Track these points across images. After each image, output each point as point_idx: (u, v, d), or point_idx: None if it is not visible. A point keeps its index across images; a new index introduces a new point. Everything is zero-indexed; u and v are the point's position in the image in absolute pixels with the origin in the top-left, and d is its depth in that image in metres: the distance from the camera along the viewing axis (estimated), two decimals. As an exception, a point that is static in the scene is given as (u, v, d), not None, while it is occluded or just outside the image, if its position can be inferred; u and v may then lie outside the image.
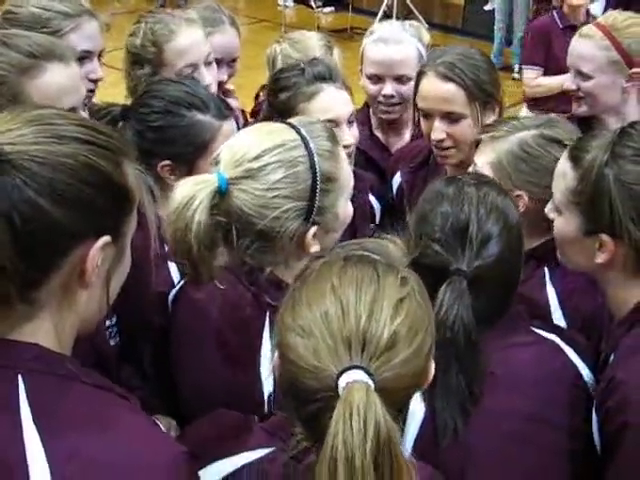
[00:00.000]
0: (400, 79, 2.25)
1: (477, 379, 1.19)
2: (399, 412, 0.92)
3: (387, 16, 9.15)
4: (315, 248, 1.29)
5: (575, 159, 1.38)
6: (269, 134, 1.34)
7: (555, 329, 1.41)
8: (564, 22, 4.20)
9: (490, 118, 1.92)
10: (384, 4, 9.39)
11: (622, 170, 1.30)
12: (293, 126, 1.36)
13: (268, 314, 1.31)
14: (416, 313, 0.95)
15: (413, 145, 2.31)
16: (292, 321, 0.95)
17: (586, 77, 2.06)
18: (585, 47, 2.09)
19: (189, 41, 2.05)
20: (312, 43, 2.41)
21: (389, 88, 2.24)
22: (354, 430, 0.83)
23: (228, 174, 1.26)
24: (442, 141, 1.91)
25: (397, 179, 2.24)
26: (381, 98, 2.26)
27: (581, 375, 1.35)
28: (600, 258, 1.35)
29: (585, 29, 2.14)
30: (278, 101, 1.88)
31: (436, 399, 1.19)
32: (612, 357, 1.35)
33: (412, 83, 2.21)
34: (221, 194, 1.24)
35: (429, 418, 1.22)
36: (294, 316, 0.96)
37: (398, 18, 7.65)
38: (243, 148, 1.31)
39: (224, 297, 1.34)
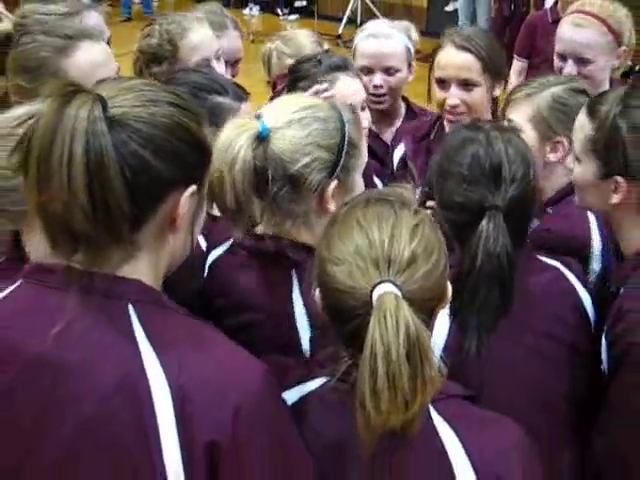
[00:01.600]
0: (388, 70, 2.38)
1: (511, 299, 1.33)
2: (425, 321, 1.04)
3: (351, 21, 9.36)
4: (332, 207, 1.39)
5: (592, 112, 1.51)
6: (305, 99, 1.50)
7: (558, 258, 1.54)
8: (553, 16, 4.24)
9: (497, 91, 2.07)
10: (348, 9, 9.58)
11: (633, 118, 1.45)
12: None
13: (295, 273, 1.42)
14: (429, 236, 1.11)
15: (413, 123, 2.45)
16: (328, 254, 1.11)
17: (587, 62, 2.21)
18: (587, 35, 2.23)
19: (200, 37, 2.19)
20: (303, 40, 2.55)
21: (378, 79, 2.36)
22: (388, 328, 0.98)
23: (269, 124, 1.36)
24: (456, 107, 2.08)
25: (398, 152, 2.37)
26: (371, 89, 2.36)
27: (581, 299, 1.51)
28: (615, 199, 1.48)
29: (578, 19, 2.28)
30: (297, 89, 1.98)
31: (469, 316, 1.31)
32: (622, 290, 1.47)
33: (400, 75, 2.36)
34: (261, 139, 1.34)
35: (454, 334, 1.35)
36: (329, 250, 1.11)
37: (362, 22, 7.82)
38: (284, 105, 1.44)
39: (253, 264, 1.44)
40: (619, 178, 1.46)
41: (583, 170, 1.54)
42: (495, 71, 2.09)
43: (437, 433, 1.11)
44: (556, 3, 4.38)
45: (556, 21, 4.13)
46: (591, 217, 1.74)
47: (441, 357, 1.11)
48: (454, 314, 1.32)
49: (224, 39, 2.38)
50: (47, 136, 0.94)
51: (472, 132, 1.47)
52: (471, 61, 2.05)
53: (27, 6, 1.82)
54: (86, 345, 1.00)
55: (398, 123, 2.54)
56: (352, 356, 1.11)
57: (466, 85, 2.07)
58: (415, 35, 2.44)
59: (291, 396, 1.19)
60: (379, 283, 1.03)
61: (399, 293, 1.01)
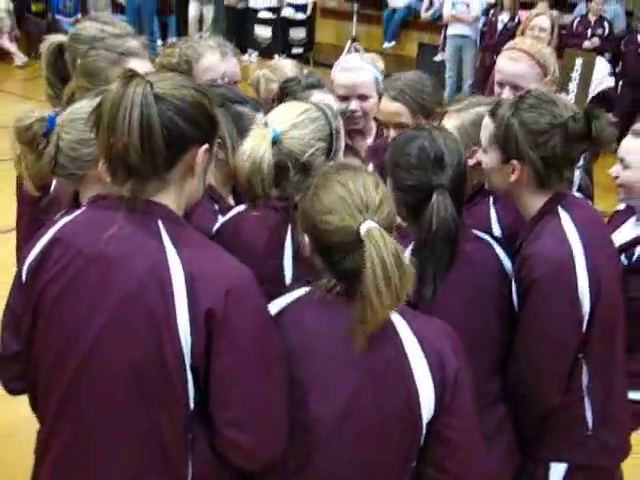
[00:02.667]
0: (361, 97, 2.77)
1: (455, 256, 1.75)
2: None
3: (345, 68, 9.95)
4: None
5: (493, 115, 1.93)
6: (298, 105, 1.91)
7: (486, 233, 1.96)
8: None
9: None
10: (341, 57, 10.16)
11: (521, 117, 1.86)
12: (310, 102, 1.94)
13: (290, 227, 1.82)
14: (384, 188, 1.53)
15: (380, 142, 2.85)
16: (319, 206, 1.50)
17: (520, 89, 2.62)
18: (520, 67, 2.67)
19: (211, 62, 2.60)
20: (286, 68, 2.98)
21: (354, 104, 2.75)
22: (381, 248, 1.39)
23: (278, 129, 1.80)
24: None
25: (370, 168, 2.78)
26: (348, 113, 2.75)
27: (502, 263, 1.91)
28: (513, 178, 1.89)
29: (513, 54, 2.70)
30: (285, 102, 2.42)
31: (427, 270, 1.72)
32: (524, 245, 1.89)
33: (372, 100, 2.75)
34: (275, 142, 1.77)
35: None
36: (319, 203, 1.50)
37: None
38: (284, 113, 1.87)
39: (260, 218, 1.84)
40: (514, 161, 1.87)
41: (489, 158, 1.95)
42: (424, 112, 2.46)
43: (392, 323, 1.51)
44: None
45: None
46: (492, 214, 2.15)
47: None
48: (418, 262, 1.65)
49: (226, 64, 2.82)
50: (115, 104, 1.39)
51: (417, 131, 1.90)
52: (402, 109, 2.46)
53: (89, 23, 2.26)
54: (127, 244, 1.43)
55: (370, 139, 2.96)
56: (338, 279, 1.51)
57: (401, 127, 2.43)
58: (381, 64, 2.87)
59: (279, 302, 1.58)
60: (363, 222, 1.43)
61: (379, 227, 1.43)
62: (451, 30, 9.88)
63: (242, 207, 1.93)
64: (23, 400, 1.71)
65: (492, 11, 9.75)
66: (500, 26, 9.56)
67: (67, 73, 2.26)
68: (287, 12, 11.49)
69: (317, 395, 1.51)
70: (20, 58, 11.16)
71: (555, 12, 9.18)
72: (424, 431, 1.55)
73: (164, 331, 1.39)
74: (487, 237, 1.93)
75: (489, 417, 1.84)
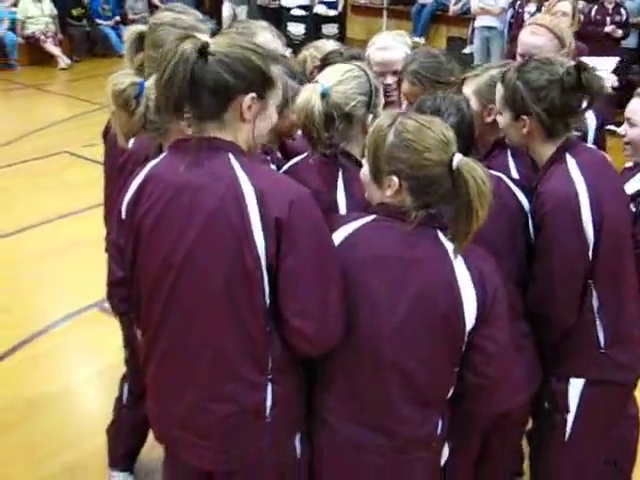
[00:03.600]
0: (395, 72, 3.04)
1: None
2: None
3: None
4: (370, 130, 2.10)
5: (502, 79, 2.21)
6: (343, 66, 2.21)
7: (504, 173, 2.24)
8: None
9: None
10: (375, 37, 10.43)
11: (524, 77, 2.13)
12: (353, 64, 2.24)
13: (341, 172, 2.12)
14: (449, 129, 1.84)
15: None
16: (418, 147, 1.78)
17: None
18: (539, 40, 2.94)
19: (263, 40, 2.83)
20: (329, 46, 3.27)
21: (389, 79, 3.03)
22: (473, 173, 1.72)
23: (326, 84, 2.10)
24: None
25: None
26: (384, 87, 3.02)
27: (520, 201, 2.17)
28: (524, 131, 2.17)
29: (533, 28, 2.98)
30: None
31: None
32: (538, 186, 2.17)
33: None
34: (324, 95, 2.08)
35: None
36: (416, 145, 1.78)
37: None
38: (332, 73, 2.17)
39: (313, 164, 2.15)
40: (524, 116, 2.15)
41: (504, 118, 2.22)
42: (439, 86, 2.61)
43: (444, 247, 1.79)
44: None
45: None
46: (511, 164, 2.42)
47: None
48: None
49: (275, 42, 3.13)
50: (171, 59, 1.68)
51: (426, 96, 2.23)
52: (419, 90, 2.66)
53: (161, 12, 2.57)
54: (207, 173, 1.73)
55: (403, 107, 3.25)
56: (423, 207, 1.79)
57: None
58: (409, 41, 3.15)
59: (346, 228, 1.86)
60: (453, 155, 1.75)
61: (469, 160, 1.75)
62: (479, 22, 10.10)
63: (298, 158, 2.24)
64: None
65: (519, 2, 9.96)
66: (527, 17, 9.78)
67: None
68: (319, 9, 11.78)
69: (383, 300, 1.80)
70: (64, 60, 11.63)
71: (582, 2, 9.42)
72: (466, 339, 1.83)
73: (243, 238, 1.70)
74: (498, 174, 2.19)
75: (514, 330, 2.09)
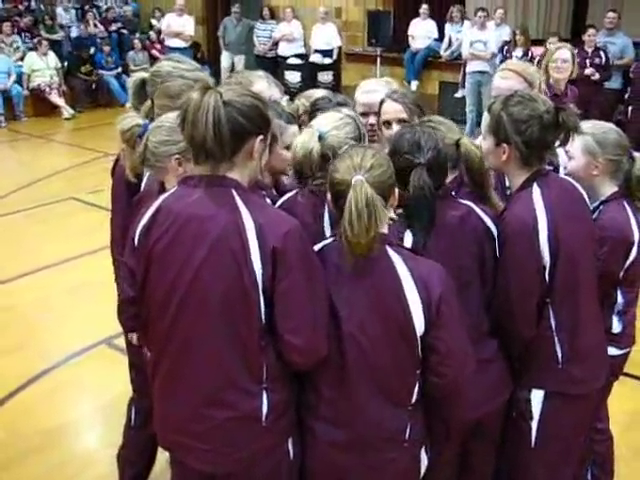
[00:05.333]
0: (377, 113, 3.22)
1: (434, 215, 2.21)
2: (381, 196, 1.97)
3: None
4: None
5: (489, 109, 2.45)
6: (336, 114, 2.50)
7: (470, 199, 2.40)
8: (551, 91, 5.02)
9: None
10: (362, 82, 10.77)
11: (508, 110, 2.36)
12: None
13: (327, 207, 2.33)
14: (381, 160, 2.05)
15: None
16: (332, 168, 2.06)
17: None
18: (510, 83, 3.15)
19: (259, 88, 3.13)
20: (318, 94, 3.53)
21: (372, 119, 3.24)
22: (357, 191, 1.93)
23: (322, 129, 2.37)
24: None
25: None
26: (368, 127, 3.18)
27: (488, 226, 2.34)
28: (503, 158, 2.39)
29: (504, 73, 3.25)
30: (314, 117, 2.97)
31: (412, 219, 2.21)
32: (504, 211, 2.39)
33: None
34: (321, 138, 2.35)
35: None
36: (332, 167, 2.06)
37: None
38: (327, 118, 2.45)
39: (304, 200, 2.40)
40: (504, 144, 2.38)
41: (487, 143, 2.46)
42: (416, 112, 2.91)
43: (391, 260, 2.03)
44: (547, 80, 5.11)
45: (553, 95, 4.95)
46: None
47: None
48: (407, 222, 2.23)
49: (271, 90, 3.39)
50: (197, 107, 1.93)
51: (406, 128, 2.42)
52: (402, 108, 2.90)
53: (165, 62, 2.80)
54: (213, 206, 1.95)
55: (386, 150, 3.49)
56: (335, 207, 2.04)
57: (403, 122, 2.87)
58: (395, 86, 3.42)
59: (316, 247, 2.13)
60: (354, 176, 1.97)
61: (364, 180, 1.97)
62: (470, 67, 10.45)
63: (290, 194, 2.48)
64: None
65: (506, 48, 10.35)
66: (515, 61, 10.15)
67: (147, 100, 2.81)
68: (315, 58, 12.21)
69: (343, 314, 2.03)
70: (67, 111, 12.02)
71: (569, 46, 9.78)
72: (419, 343, 2.05)
73: (242, 264, 1.92)
74: (468, 203, 2.38)
75: (486, 345, 2.34)
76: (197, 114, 1.94)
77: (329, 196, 2.10)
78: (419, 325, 2.03)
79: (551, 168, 2.76)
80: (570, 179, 2.63)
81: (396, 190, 2.11)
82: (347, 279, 2.06)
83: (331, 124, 2.41)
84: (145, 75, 2.77)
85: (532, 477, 2.52)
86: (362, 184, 1.96)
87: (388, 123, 2.98)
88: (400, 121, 2.90)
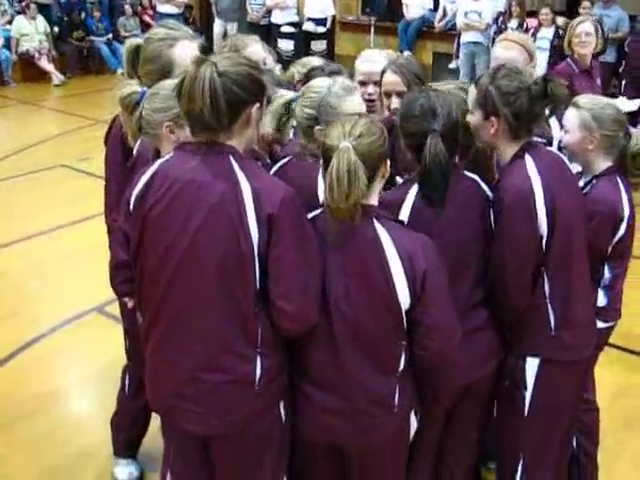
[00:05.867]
0: (376, 83, 3.26)
1: (449, 182, 2.21)
2: (370, 173, 1.99)
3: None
4: (320, 138, 2.25)
5: (476, 84, 2.41)
6: (318, 80, 2.49)
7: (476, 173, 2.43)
8: (579, 67, 5.12)
9: None
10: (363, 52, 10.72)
11: (496, 83, 2.34)
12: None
13: (320, 171, 2.30)
14: (372, 128, 2.04)
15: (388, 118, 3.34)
16: (326, 137, 2.05)
17: None
18: (512, 54, 3.17)
19: (253, 49, 3.23)
20: (314, 62, 3.50)
21: (370, 88, 3.25)
22: (340, 156, 1.94)
23: (298, 94, 2.40)
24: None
25: None
26: (366, 96, 3.22)
27: (487, 194, 2.38)
28: (492, 130, 2.38)
29: (505, 43, 3.24)
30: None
31: (428, 187, 2.20)
32: (500, 181, 2.40)
33: None
34: (290, 102, 2.40)
35: (418, 201, 2.24)
36: (326, 135, 2.06)
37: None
38: (307, 84, 2.47)
39: (301, 165, 2.41)
40: (492, 117, 2.36)
41: (475, 117, 2.43)
42: (417, 84, 2.87)
43: (377, 233, 2.04)
44: (572, 55, 5.19)
45: (582, 71, 5.05)
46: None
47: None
48: (419, 192, 2.24)
49: (265, 52, 3.40)
50: (192, 80, 1.92)
51: (418, 92, 2.38)
52: (400, 79, 2.92)
53: (155, 29, 2.80)
54: (210, 172, 1.96)
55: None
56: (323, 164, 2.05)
57: (400, 95, 2.87)
58: (395, 56, 3.39)
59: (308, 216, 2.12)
60: (342, 142, 1.97)
61: (351, 147, 1.96)
62: (464, 38, 10.40)
63: (283, 161, 2.49)
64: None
65: (501, 19, 10.29)
66: (510, 32, 10.10)
67: None
68: (308, 26, 12.08)
69: (328, 282, 2.06)
70: (57, 77, 11.87)
71: (563, 18, 9.74)
72: (404, 317, 2.07)
73: (239, 229, 1.93)
74: (474, 176, 2.41)
75: (476, 314, 2.36)
76: (193, 87, 1.93)
77: (321, 161, 2.10)
78: (404, 299, 2.05)
79: (544, 141, 2.77)
80: (556, 151, 2.63)
81: (387, 161, 2.10)
82: (331, 248, 2.07)
83: (302, 89, 2.45)
84: (139, 41, 2.74)
85: (522, 445, 2.55)
86: (347, 150, 1.96)
87: (387, 94, 2.95)
88: (399, 93, 2.88)
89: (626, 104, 5.58)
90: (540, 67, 7.19)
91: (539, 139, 2.57)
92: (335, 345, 2.08)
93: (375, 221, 2.06)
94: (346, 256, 2.06)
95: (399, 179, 2.52)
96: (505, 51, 3.19)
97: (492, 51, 3.26)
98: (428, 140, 2.18)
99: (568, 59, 5.21)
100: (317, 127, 2.36)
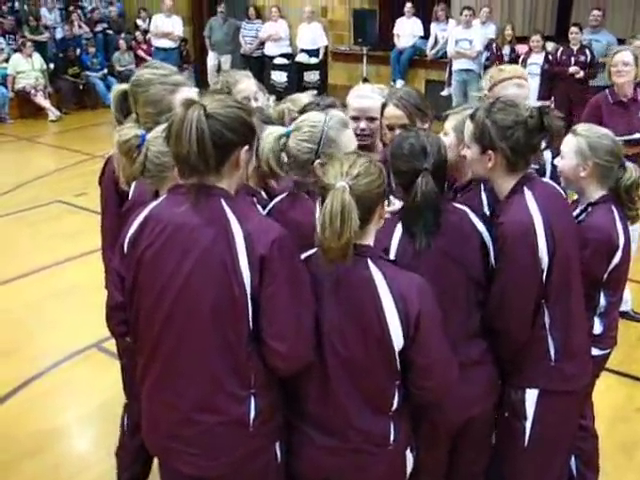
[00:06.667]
0: (369, 119, 3.29)
1: (439, 221, 2.26)
2: (365, 214, 1.99)
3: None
4: (318, 173, 2.30)
5: (472, 118, 2.46)
6: (313, 114, 2.49)
7: (466, 206, 2.44)
8: (614, 98, 4.93)
9: (425, 125, 2.97)
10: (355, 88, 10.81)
11: (493, 117, 2.38)
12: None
13: (318, 203, 2.30)
14: (371, 169, 2.03)
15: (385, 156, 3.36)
16: (323, 175, 2.05)
17: None
18: (523, 91, 3.18)
19: (245, 86, 3.25)
20: (304, 99, 3.54)
21: (363, 124, 3.28)
22: (334, 197, 1.92)
23: (290, 129, 2.40)
24: None
25: None
26: (358, 131, 3.24)
27: (480, 231, 2.38)
28: (489, 164, 2.41)
29: (518, 82, 3.22)
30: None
31: (417, 228, 2.24)
32: (499, 216, 2.41)
33: (377, 122, 3.23)
34: (282, 137, 2.38)
35: (404, 243, 2.27)
36: (324, 173, 2.05)
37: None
38: (300, 118, 2.46)
39: (299, 201, 2.42)
40: (489, 151, 2.40)
41: (471, 151, 2.47)
42: (419, 114, 2.94)
43: (371, 273, 2.04)
44: (612, 86, 5.01)
45: (617, 102, 4.89)
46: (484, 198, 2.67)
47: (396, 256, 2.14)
48: (406, 229, 2.27)
49: (255, 87, 3.43)
50: (180, 122, 1.94)
51: (408, 132, 2.44)
52: (402, 113, 2.93)
53: (143, 70, 2.81)
54: (202, 215, 1.97)
55: (377, 156, 3.49)
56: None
57: (404, 127, 2.86)
58: (386, 93, 3.43)
59: (305, 254, 2.13)
60: (339, 182, 1.97)
61: (347, 187, 1.96)
62: (456, 65, 10.53)
63: (281, 197, 2.51)
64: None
65: (495, 45, 10.40)
66: (506, 58, 10.23)
67: (130, 111, 2.82)
68: (301, 57, 12.22)
69: (323, 322, 2.06)
70: (53, 113, 11.96)
71: (552, 44, 9.87)
72: (397, 357, 2.07)
73: (231, 271, 1.94)
74: (464, 208, 2.43)
75: (473, 348, 2.37)
76: (180, 129, 1.95)
77: (319, 199, 2.12)
78: (397, 340, 2.05)
79: (537, 167, 2.81)
80: (551, 182, 2.67)
81: (385, 202, 2.12)
82: (326, 289, 2.07)
83: (296, 124, 2.43)
84: (126, 87, 2.78)
85: (522, 475, 2.56)
86: (343, 190, 1.96)
87: (390, 127, 2.99)
88: (402, 126, 2.91)
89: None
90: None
91: (533, 166, 2.61)
92: (328, 383, 2.08)
93: (369, 261, 2.07)
94: (340, 295, 2.06)
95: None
96: (518, 89, 3.20)
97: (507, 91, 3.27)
98: (419, 179, 2.22)
99: (607, 90, 5.10)
100: (317, 161, 2.37)
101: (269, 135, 2.39)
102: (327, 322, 2.06)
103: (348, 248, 1.96)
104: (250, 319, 1.98)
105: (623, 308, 4.71)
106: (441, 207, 2.27)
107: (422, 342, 2.07)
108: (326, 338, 2.06)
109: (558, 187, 2.63)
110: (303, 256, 2.13)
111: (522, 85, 3.22)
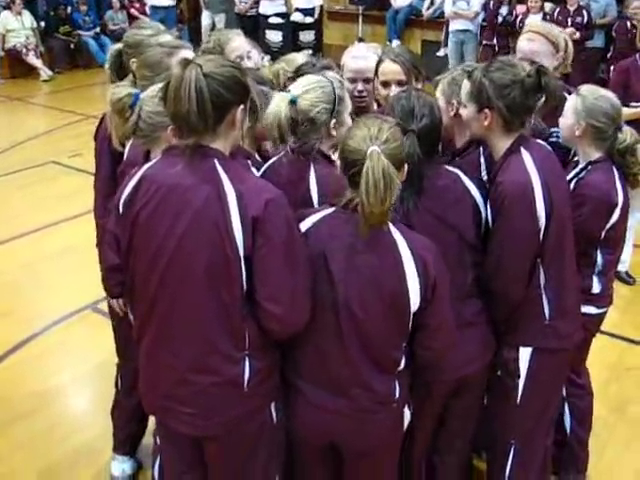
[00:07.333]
0: (366, 80, 3.27)
1: (422, 182, 2.26)
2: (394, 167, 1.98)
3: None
4: (333, 133, 2.37)
5: (469, 76, 2.44)
6: (313, 77, 2.45)
7: (459, 168, 2.44)
8: None
9: (419, 84, 2.98)
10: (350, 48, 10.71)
11: (490, 76, 2.37)
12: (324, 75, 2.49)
13: (312, 165, 2.35)
14: (396, 133, 2.05)
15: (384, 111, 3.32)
16: (348, 135, 2.05)
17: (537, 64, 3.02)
18: (535, 46, 3.09)
19: (237, 44, 3.23)
20: (299, 59, 3.49)
21: (360, 86, 3.25)
22: (374, 162, 1.93)
23: (295, 93, 2.35)
24: None
25: None
26: (356, 93, 3.23)
27: (472, 195, 2.39)
28: (486, 123, 2.41)
29: (529, 35, 3.15)
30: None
31: (404, 190, 2.18)
32: (496, 176, 2.40)
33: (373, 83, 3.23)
34: (293, 102, 2.33)
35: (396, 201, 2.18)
36: (349, 134, 2.05)
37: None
38: (302, 81, 2.42)
39: (292, 163, 2.39)
40: (486, 110, 2.39)
41: (468, 110, 2.46)
42: (414, 72, 2.95)
43: (394, 238, 2.06)
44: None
45: None
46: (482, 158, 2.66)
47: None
48: None
49: (248, 45, 3.39)
50: (178, 82, 1.93)
51: (401, 93, 2.45)
52: (399, 68, 2.92)
53: (131, 32, 2.81)
54: (195, 176, 1.97)
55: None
56: (352, 191, 2.04)
57: (400, 84, 2.92)
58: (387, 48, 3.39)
59: (312, 218, 2.12)
60: (370, 146, 1.96)
61: (380, 151, 1.96)
62: (453, 26, 10.42)
63: (273, 159, 2.49)
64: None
65: (492, 4, 10.28)
66: (500, 19, 10.12)
67: (125, 70, 2.82)
68: (296, 17, 12.05)
69: (342, 283, 2.06)
70: (45, 72, 11.82)
71: (550, 4, 9.75)
72: (411, 318, 2.10)
73: (224, 234, 1.94)
74: (457, 171, 2.42)
75: (468, 308, 2.39)
76: (179, 89, 1.93)
77: (338, 162, 2.10)
78: (414, 302, 2.07)
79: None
80: (544, 143, 2.66)
81: (405, 165, 2.11)
82: (349, 250, 2.06)
83: (303, 88, 2.39)
84: (121, 46, 2.76)
85: (513, 432, 2.61)
86: (379, 155, 1.95)
87: (386, 84, 2.96)
88: (399, 82, 2.89)
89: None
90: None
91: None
92: (340, 344, 2.09)
93: (391, 225, 2.08)
94: (361, 261, 2.06)
95: None
96: (528, 43, 3.15)
97: (517, 44, 3.20)
98: (404, 139, 2.20)
99: (637, 54, 5.00)
100: (333, 121, 2.37)
101: (280, 101, 2.34)
102: (344, 289, 2.06)
103: (389, 213, 1.98)
104: (244, 280, 1.98)
105: (619, 268, 4.75)
106: (424, 169, 2.25)
107: (436, 304, 2.10)
108: (342, 298, 2.06)
109: (550, 149, 2.61)
110: (316, 216, 2.13)
111: (532, 39, 3.14)
